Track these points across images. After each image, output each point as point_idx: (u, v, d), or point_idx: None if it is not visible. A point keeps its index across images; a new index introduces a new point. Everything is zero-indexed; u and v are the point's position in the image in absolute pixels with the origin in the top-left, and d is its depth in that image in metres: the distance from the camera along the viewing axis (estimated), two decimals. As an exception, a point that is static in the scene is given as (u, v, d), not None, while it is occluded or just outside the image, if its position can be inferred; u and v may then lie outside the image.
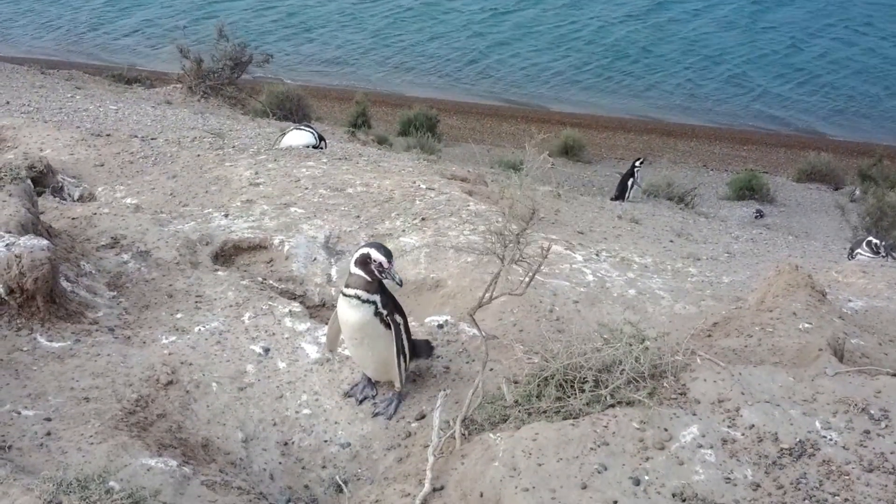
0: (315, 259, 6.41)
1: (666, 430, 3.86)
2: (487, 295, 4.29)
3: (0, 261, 4.79)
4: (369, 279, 4.47)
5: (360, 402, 4.84)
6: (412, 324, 5.09)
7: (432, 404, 4.58)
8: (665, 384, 4.13)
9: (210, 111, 14.27)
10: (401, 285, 4.57)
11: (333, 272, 6.31)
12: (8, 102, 11.36)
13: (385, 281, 4.55)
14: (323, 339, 5.19)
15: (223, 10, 27.00)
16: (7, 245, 4.89)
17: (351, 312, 4.52)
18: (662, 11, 29.72)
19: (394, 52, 26.97)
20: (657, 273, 6.73)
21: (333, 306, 5.28)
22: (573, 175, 17.95)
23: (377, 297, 4.51)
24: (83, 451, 3.93)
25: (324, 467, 4.53)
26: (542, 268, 4.25)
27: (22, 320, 4.85)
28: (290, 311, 5.54)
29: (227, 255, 6.47)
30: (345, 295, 4.53)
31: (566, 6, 29.80)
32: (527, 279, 4.28)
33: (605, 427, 3.88)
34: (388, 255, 4.46)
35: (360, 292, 4.48)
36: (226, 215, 6.89)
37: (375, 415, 4.76)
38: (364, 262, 4.45)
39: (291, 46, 26.77)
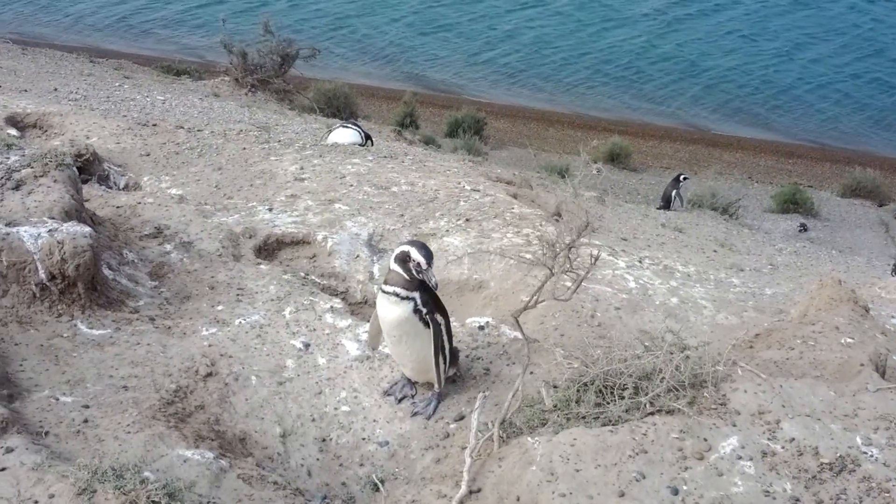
0: (358, 256, 6.41)
1: (705, 440, 3.82)
2: (533, 300, 4.25)
3: (42, 247, 4.83)
4: (407, 277, 4.44)
5: (399, 401, 4.82)
6: (453, 324, 5.05)
7: (471, 406, 4.54)
8: (705, 394, 4.09)
9: (257, 105, 14.35)
10: (436, 288, 4.53)
11: (376, 270, 6.30)
12: (56, 89, 11.49)
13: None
14: (364, 337, 5.18)
15: (272, 6, 27.17)
16: (50, 231, 4.93)
17: (389, 309, 4.48)
18: (712, 21, 29.45)
19: (444, 53, 26.96)
20: (700, 282, 6.65)
21: (375, 304, 5.27)
22: (619, 182, 17.85)
23: (416, 295, 4.46)
24: (120, 439, 3.94)
25: (361, 465, 4.51)
26: (582, 273, 4.20)
27: (63, 307, 4.87)
28: (331, 307, 5.53)
29: (270, 248, 6.49)
30: (383, 292, 4.50)
31: (617, 14, 29.62)
32: (573, 286, 4.24)
33: (644, 435, 3.84)
34: (428, 255, 4.40)
35: (398, 289, 4.44)
36: (270, 209, 6.92)
37: (414, 414, 4.73)
38: (403, 259, 4.41)
39: (339, 43, 26.85)
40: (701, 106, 24.82)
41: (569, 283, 4.97)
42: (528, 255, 6.18)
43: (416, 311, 4.47)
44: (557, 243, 4.13)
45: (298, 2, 29.21)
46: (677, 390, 4.05)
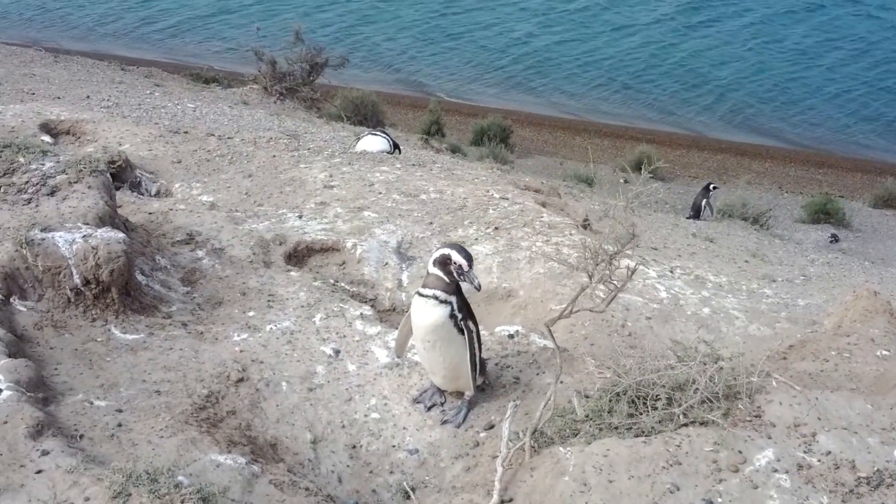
0: (387, 264, 6.41)
1: (740, 452, 3.79)
2: (568, 309, 4.23)
3: (77, 252, 4.87)
4: (447, 280, 4.44)
5: (429, 408, 4.81)
6: (482, 332, 5.04)
7: (501, 414, 4.53)
8: (739, 406, 4.05)
9: (285, 113, 14.44)
10: (479, 289, 4.54)
11: (405, 277, 6.31)
12: (88, 97, 11.60)
13: (462, 284, 4.51)
14: (393, 344, 5.17)
15: (282, 14, 27.32)
16: (84, 236, 4.96)
17: (427, 312, 4.47)
18: (738, 29, 29.33)
19: (468, 61, 27.00)
20: (732, 293, 6.60)
21: (403, 311, 5.26)
22: (646, 191, 17.75)
23: (454, 299, 4.47)
24: (153, 443, 3.96)
25: (391, 472, 4.50)
26: (619, 284, 4.18)
27: (97, 311, 4.91)
28: (361, 314, 5.53)
29: (300, 255, 6.51)
30: (422, 295, 4.48)
31: (642, 23, 29.55)
32: (608, 298, 4.22)
33: (678, 446, 3.81)
34: (468, 257, 4.42)
35: (437, 292, 4.44)
36: (300, 216, 6.94)
37: (444, 422, 4.72)
38: (444, 262, 4.42)
39: (365, 53, 26.95)
40: (728, 115, 24.74)
41: (602, 295, 4.96)
42: (558, 264, 6.18)
43: (452, 315, 4.46)
44: (600, 252, 4.11)
45: (310, 11, 29.34)
46: (711, 402, 4.02)
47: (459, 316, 4.49)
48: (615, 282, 4.13)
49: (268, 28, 23.73)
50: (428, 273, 4.52)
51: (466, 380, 4.69)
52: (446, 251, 4.44)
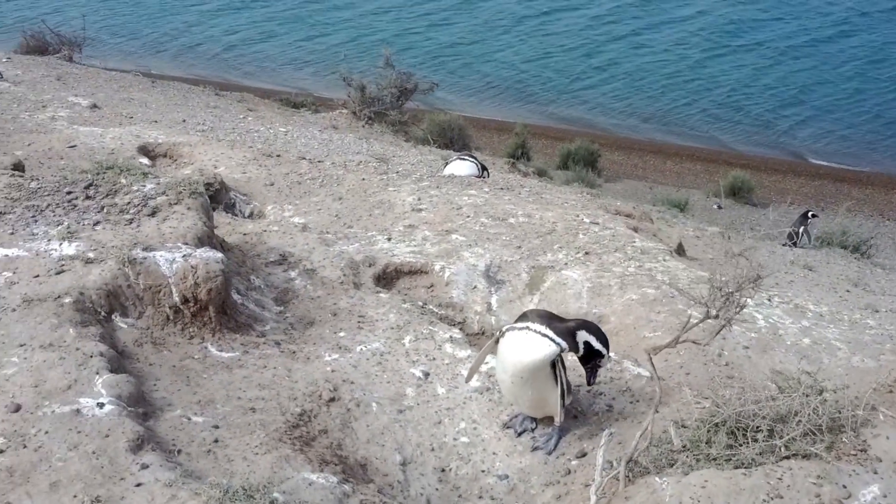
0: (475, 287, 6.39)
1: (844, 486, 3.67)
2: (675, 341, 4.15)
3: (177, 271, 4.97)
4: (571, 349, 4.43)
5: (519, 434, 4.75)
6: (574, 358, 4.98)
7: (593, 443, 4.46)
8: (844, 439, 3.92)
9: (374, 137, 14.56)
10: (590, 384, 4.67)
11: (494, 301, 6.27)
12: (184, 121, 11.86)
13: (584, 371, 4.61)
14: (483, 368, 5.13)
15: (388, 39, 27.63)
16: (184, 256, 5.07)
17: (533, 351, 4.38)
18: (832, 50, 28.66)
19: (555, 85, 26.93)
20: (833, 323, 6.39)
21: (493, 335, 5.21)
22: (741, 217, 17.42)
23: (564, 344, 4.40)
24: (248, 460, 4.00)
25: (480, 497, 4.46)
26: (726, 319, 4.09)
27: (194, 329, 5.00)
28: (450, 336, 5.52)
29: (389, 277, 6.54)
30: (536, 332, 4.39)
31: (737, 46, 29.11)
32: (714, 331, 4.14)
33: (780, 479, 3.70)
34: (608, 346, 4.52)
35: (546, 331, 4.37)
36: (388, 239, 6.98)
37: (534, 449, 4.66)
38: (589, 351, 4.49)
39: (450, 76, 27.09)
40: (827, 140, 24.09)
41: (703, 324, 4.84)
42: (652, 291, 6.08)
43: (555, 360, 4.41)
44: (724, 288, 4.02)
45: (363, 33, 29.62)
46: (815, 434, 3.89)
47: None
48: (722, 316, 4.04)
49: (319, 51, 24.16)
50: (538, 315, 4.48)
51: (553, 408, 4.62)
52: (591, 339, 4.47)
